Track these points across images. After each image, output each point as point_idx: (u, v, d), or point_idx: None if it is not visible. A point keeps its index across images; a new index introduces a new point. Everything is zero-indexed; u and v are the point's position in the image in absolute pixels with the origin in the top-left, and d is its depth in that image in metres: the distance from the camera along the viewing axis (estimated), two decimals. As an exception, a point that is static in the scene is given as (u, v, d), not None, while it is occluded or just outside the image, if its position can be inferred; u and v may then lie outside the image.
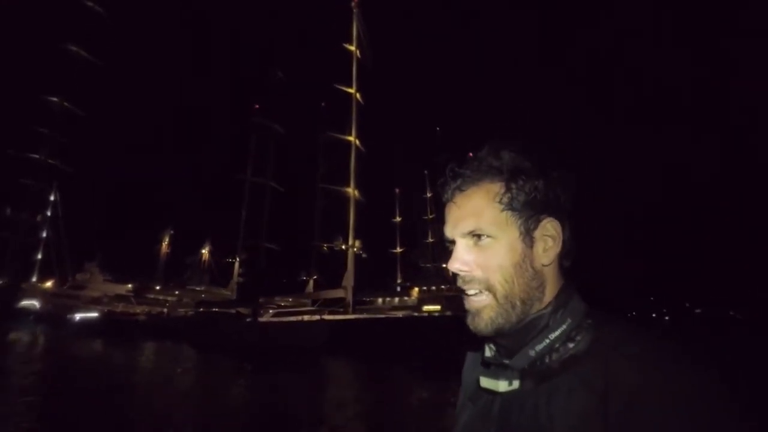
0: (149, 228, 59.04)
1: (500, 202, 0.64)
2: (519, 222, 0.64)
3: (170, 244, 58.01)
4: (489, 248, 0.64)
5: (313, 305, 32.39)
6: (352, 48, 33.62)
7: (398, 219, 62.21)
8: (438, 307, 34.47)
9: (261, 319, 26.09)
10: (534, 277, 0.64)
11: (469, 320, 0.66)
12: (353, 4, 35.31)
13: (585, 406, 0.54)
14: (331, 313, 27.32)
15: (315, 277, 42.87)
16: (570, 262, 0.68)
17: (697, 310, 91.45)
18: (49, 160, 43.10)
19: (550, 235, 0.65)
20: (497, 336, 0.66)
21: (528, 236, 0.64)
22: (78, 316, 41.49)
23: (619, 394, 0.52)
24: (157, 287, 44.25)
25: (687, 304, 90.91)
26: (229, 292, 41.51)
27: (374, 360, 17.02)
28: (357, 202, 30.74)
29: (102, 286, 49.89)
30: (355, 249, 29.56)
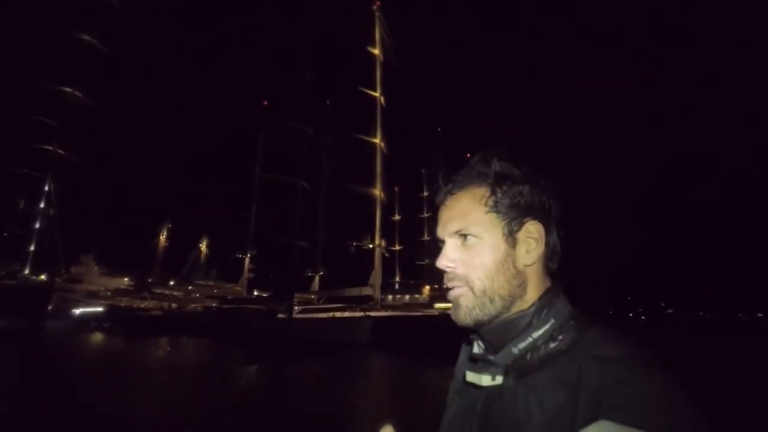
0: (146, 221, 58.15)
1: (485, 204, 0.70)
2: (503, 224, 0.70)
3: (168, 237, 57.54)
4: (474, 247, 0.70)
5: (318, 302, 33.17)
6: (376, 52, 34.42)
7: (397, 217, 63.18)
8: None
9: (296, 316, 26.72)
10: (515, 276, 0.69)
11: (452, 312, 0.72)
12: (375, 7, 36.10)
13: (557, 401, 0.59)
14: (353, 310, 28.20)
15: (321, 273, 43.65)
16: (557, 265, 0.73)
17: (669, 311, 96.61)
18: (59, 150, 42.07)
19: (533, 236, 0.70)
20: (479, 329, 0.71)
21: (511, 237, 0.70)
22: (79, 311, 40.88)
23: (586, 391, 0.56)
24: (171, 282, 43.94)
25: (662, 304, 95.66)
26: (239, 288, 41.70)
27: (424, 357, 17.94)
28: (382, 203, 31.65)
29: (99, 279, 48.99)
30: (380, 248, 30.49)
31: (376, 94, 33.27)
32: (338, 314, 27.41)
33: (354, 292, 31.19)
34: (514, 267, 0.69)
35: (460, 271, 0.70)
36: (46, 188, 53.20)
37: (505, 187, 0.70)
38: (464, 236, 0.71)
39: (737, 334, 48.98)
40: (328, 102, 44.50)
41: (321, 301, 33.46)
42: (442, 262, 0.72)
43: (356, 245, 33.61)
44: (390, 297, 43.30)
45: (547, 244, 0.71)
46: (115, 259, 51.18)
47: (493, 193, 0.70)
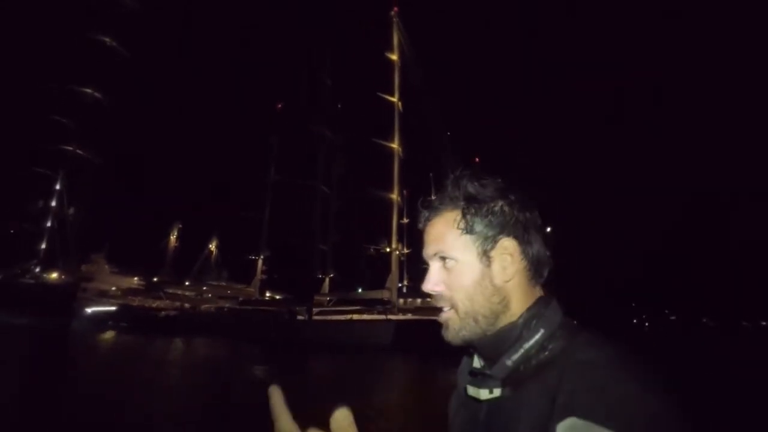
0: (157, 221, 58.45)
1: (458, 227, 0.74)
2: (476, 244, 0.73)
3: (179, 237, 57.80)
4: (453, 270, 0.74)
5: (328, 304, 33.30)
6: (394, 57, 34.81)
7: (405, 221, 63.49)
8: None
9: (315, 318, 26.98)
10: (494, 293, 0.72)
11: (443, 332, 0.76)
12: (393, 13, 36.50)
13: (542, 407, 0.61)
14: (371, 312, 28.42)
15: (331, 275, 43.93)
16: (544, 275, 0.76)
17: (672, 317, 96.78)
18: (75, 150, 42.44)
19: (507, 252, 0.73)
20: (470, 346, 0.76)
21: (485, 256, 0.73)
22: (91, 310, 41.07)
23: (563, 394, 0.59)
24: (187, 282, 44.22)
25: (666, 311, 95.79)
26: (252, 289, 41.97)
27: (450, 360, 18.16)
28: (399, 207, 31.96)
29: (110, 278, 49.29)
30: (397, 252, 30.76)
31: (394, 99, 33.66)
32: (356, 317, 27.67)
33: (370, 294, 31.45)
34: (492, 285, 0.72)
35: (445, 293, 0.75)
36: (58, 187, 53.82)
37: (474, 209, 0.74)
38: (443, 259, 0.75)
39: (740, 341, 49.22)
40: (339, 105, 45.04)
41: (330, 303, 33.73)
42: (427, 286, 0.77)
43: (375, 249, 33.85)
44: (401, 300, 43.64)
45: (526, 256, 0.74)
46: (125, 259, 51.56)
47: (464, 215, 0.74)
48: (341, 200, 43.16)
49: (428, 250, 0.77)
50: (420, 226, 0.80)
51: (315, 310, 30.14)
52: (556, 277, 0.76)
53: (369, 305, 30.24)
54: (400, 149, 32.87)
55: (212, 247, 58.58)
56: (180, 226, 58.22)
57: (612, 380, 0.57)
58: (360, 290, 36.37)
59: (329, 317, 28.15)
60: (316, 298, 35.47)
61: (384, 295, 30.31)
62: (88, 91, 38.83)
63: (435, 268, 0.76)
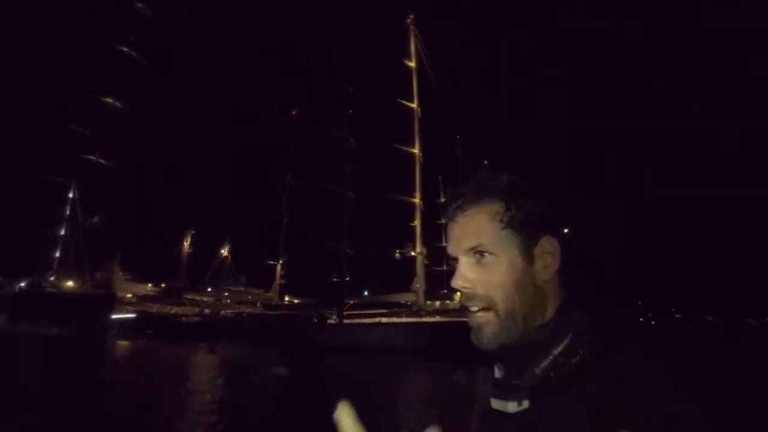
0: (170, 227, 58.64)
1: (500, 221, 0.68)
2: (518, 240, 0.68)
3: (192, 244, 58.04)
4: (491, 266, 0.68)
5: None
6: (412, 64, 35.32)
7: (416, 223, 63.72)
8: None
9: (347, 321, 27.32)
10: (535, 293, 0.68)
11: (472, 336, 0.69)
12: (409, 21, 37.01)
13: (584, 418, 0.57)
14: (399, 315, 28.82)
15: (347, 278, 44.34)
16: (568, 277, 0.72)
17: (678, 315, 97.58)
18: (90, 157, 42.68)
19: (548, 252, 0.69)
20: (502, 353, 0.70)
21: (527, 254, 0.68)
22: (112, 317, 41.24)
23: (609, 405, 0.56)
24: (209, 288, 44.49)
25: (672, 309, 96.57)
26: (272, 294, 42.29)
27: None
28: (421, 211, 32.42)
29: (125, 285, 49.50)
30: (422, 255, 31.20)
31: (414, 105, 34.17)
32: (385, 320, 28.04)
33: (396, 297, 31.83)
34: (533, 284, 0.68)
35: (479, 291, 0.69)
36: (71, 195, 54.05)
37: (518, 203, 0.69)
38: (480, 254, 0.69)
39: (743, 339, 49.61)
40: (359, 111, 45.50)
41: (348, 307, 34.12)
42: (458, 282, 0.70)
43: (400, 252, 34.29)
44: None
45: (563, 257, 0.70)
46: (139, 266, 51.75)
47: (508, 208, 0.69)
48: (359, 204, 43.71)
49: (463, 244, 0.70)
50: (448, 216, 0.72)
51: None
52: (570, 279, 0.73)
53: (388, 308, 30.62)
54: (420, 154, 33.35)
55: (225, 252, 58.88)
56: (193, 232, 58.52)
57: (662, 394, 0.56)
58: (366, 293, 36.79)
59: (359, 321, 28.48)
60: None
61: (410, 298, 30.68)
62: (109, 100, 39.17)
63: (467, 264, 0.70)
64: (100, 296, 39.41)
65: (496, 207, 0.69)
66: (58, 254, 52.71)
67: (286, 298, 43.10)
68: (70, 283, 50.47)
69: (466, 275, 0.69)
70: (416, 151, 33.44)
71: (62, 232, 53.22)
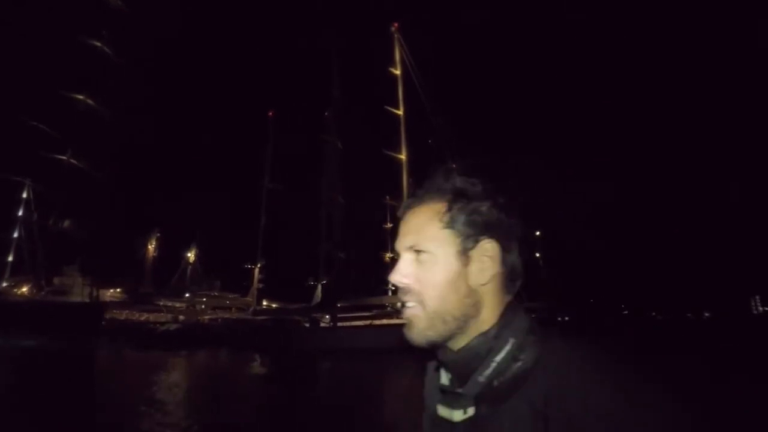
0: (134, 230, 56.24)
1: (440, 220, 0.69)
2: (457, 241, 0.68)
3: (157, 247, 55.96)
4: (426, 263, 0.69)
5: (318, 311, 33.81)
6: (397, 72, 36.14)
7: (389, 225, 64.64)
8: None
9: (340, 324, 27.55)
10: (468, 295, 0.67)
11: (404, 330, 0.70)
12: (393, 29, 37.80)
13: (530, 425, 0.58)
14: (390, 317, 29.35)
15: (324, 281, 44.43)
16: (516, 286, 0.72)
17: (625, 312, 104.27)
18: (72, 160, 40.27)
19: (487, 255, 0.69)
20: (447, 360, 0.70)
21: (465, 255, 0.68)
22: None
23: (558, 415, 0.56)
24: (186, 294, 43.04)
25: (622, 306, 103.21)
26: (250, 299, 41.64)
27: None
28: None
29: (85, 291, 47.08)
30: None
31: (400, 112, 35.00)
32: (376, 322, 28.53)
33: (380, 300, 32.34)
34: (467, 285, 0.68)
35: (414, 287, 0.70)
36: (24, 195, 50.69)
37: (462, 204, 0.70)
38: (418, 251, 0.70)
39: (684, 333, 53.61)
40: (345, 116, 45.56)
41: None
42: (395, 277, 0.71)
43: (390, 257, 34.90)
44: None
45: (504, 263, 0.70)
46: (100, 270, 49.29)
47: (449, 209, 0.70)
48: (347, 208, 43.84)
49: (404, 241, 0.73)
50: (399, 214, 0.76)
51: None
52: (520, 287, 0.74)
53: (371, 310, 31.09)
54: (407, 160, 34.25)
55: (191, 256, 57.09)
56: (158, 234, 56.43)
57: (604, 398, 0.57)
58: (351, 296, 37.08)
59: (350, 323, 28.80)
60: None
61: (394, 300, 31.28)
62: (80, 97, 37.20)
63: (406, 260, 0.72)
64: (89, 306, 37.36)
65: (439, 206, 0.71)
66: (11, 258, 49.48)
67: (264, 303, 42.57)
68: (24, 290, 47.48)
69: (404, 271, 0.71)
70: (403, 156, 34.27)
71: (15, 235, 50.05)
